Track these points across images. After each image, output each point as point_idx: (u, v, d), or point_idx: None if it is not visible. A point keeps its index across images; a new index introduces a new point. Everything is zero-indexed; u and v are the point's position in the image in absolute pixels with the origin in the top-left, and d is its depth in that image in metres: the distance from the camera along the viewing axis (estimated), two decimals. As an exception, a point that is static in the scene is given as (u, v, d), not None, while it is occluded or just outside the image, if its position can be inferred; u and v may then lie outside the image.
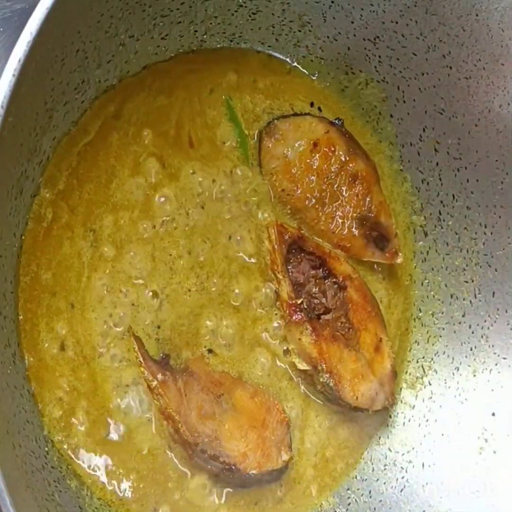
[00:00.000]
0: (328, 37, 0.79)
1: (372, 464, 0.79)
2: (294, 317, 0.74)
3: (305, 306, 0.75)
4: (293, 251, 0.76)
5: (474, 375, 0.77)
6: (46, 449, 0.65)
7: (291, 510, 0.75)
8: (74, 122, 0.70)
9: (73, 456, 0.67)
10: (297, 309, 0.74)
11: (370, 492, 0.78)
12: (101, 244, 0.71)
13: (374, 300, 0.80)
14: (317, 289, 0.76)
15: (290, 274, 0.75)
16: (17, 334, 0.66)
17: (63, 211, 0.69)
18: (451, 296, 0.80)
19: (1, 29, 0.67)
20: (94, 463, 0.68)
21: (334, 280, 0.77)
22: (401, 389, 0.81)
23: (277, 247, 0.75)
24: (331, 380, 0.74)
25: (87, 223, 0.71)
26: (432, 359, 0.81)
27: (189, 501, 0.70)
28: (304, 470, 0.76)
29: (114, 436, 0.68)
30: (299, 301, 0.74)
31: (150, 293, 0.71)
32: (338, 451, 0.78)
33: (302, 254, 0.76)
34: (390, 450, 0.80)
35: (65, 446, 0.67)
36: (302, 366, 0.74)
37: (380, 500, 0.77)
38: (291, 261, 0.76)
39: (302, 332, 0.74)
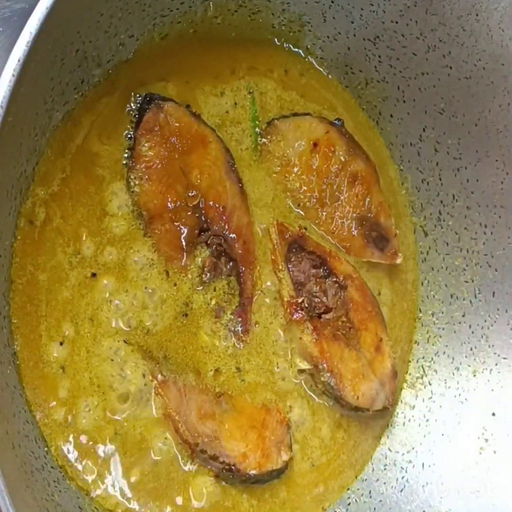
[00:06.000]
0: (328, 37, 0.79)
1: (372, 464, 0.79)
2: (294, 316, 0.74)
3: (306, 305, 0.75)
4: (294, 250, 0.76)
5: (474, 375, 0.77)
6: (46, 449, 0.65)
7: (292, 510, 0.75)
8: (72, 120, 0.70)
9: (72, 456, 0.67)
10: (298, 308, 0.74)
11: (370, 492, 0.78)
12: (85, 266, 0.69)
13: (374, 300, 0.80)
14: (317, 288, 0.76)
15: (291, 272, 0.75)
16: (14, 334, 0.65)
17: (55, 215, 0.69)
18: (451, 296, 0.80)
19: (1, 29, 0.67)
20: (93, 464, 0.67)
21: (335, 279, 0.77)
22: (401, 389, 0.81)
23: (278, 246, 0.75)
24: (332, 379, 0.74)
25: (77, 230, 0.69)
26: (432, 359, 0.81)
27: (190, 501, 0.70)
28: (305, 470, 0.76)
29: (114, 436, 0.68)
30: (299, 300, 0.74)
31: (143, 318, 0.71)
32: (339, 452, 0.78)
33: (303, 253, 0.76)
34: (390, 450, 0.80)
35: (64, 447, 0.67)
36: (303, 365, 0.74)
37: (380, 500, 0.77)
38: (292, 260, 0.76)
39: (303, 331, 0.74)
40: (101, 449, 0.68)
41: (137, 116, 0.71)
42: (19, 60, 0.51)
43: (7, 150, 0.57)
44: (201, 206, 0.72)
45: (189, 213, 0.71)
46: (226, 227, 0.73)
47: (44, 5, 0.51)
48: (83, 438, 0.67)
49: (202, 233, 0.72)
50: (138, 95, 0.72)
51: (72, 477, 0.66)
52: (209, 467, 0.69)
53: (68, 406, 0.67)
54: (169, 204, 0.71)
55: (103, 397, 0.68)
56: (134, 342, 0.69)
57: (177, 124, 0.71)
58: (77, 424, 0.66)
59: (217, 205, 0.73)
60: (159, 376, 0.69)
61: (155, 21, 0.71)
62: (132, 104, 0.72)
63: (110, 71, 0.71)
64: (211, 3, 0.74)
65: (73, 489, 0.66)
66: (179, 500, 0.69)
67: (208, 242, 0.72)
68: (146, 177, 0.70)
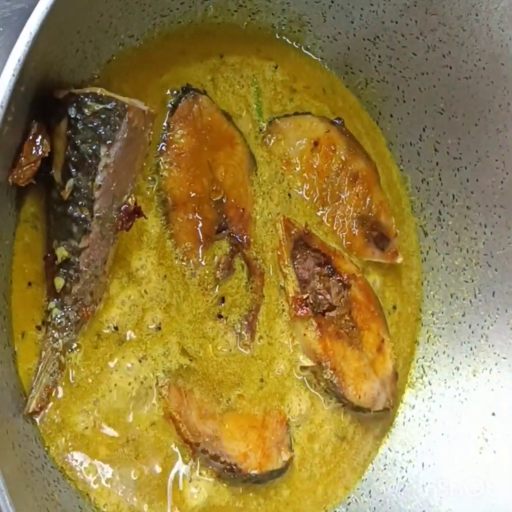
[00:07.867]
0: (328, 37, 0.79)
1: (372, 464, 0.79)
2: (299, 312, 0.74)
3: (311, 301, 0.75)
4: (299, 247, 0.76)
5: (474, 375, 0.77)
6: (46, 449, 0.65)
7: (292, 509, 0.75)
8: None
9: (72, 456, 0.67)
10: (303, 304, 0.74)
11: (370, 492, 0.78)
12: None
13: (377, 301, 0.80)
14: (321, 286, 0.76)
15: (296, 269, 0.75)
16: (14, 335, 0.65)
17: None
18: (451, 296, 0.80)
19: (1, 29, 0.67)
20: (93, 463, 0.67)
21: (339, 278, 0.77)
22: (403, 391, 0.81)
23: (284, 242, 0.75)
24: (335, 377, 0.74)
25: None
26: (432, 359, 0.81)
27: (190, 501, 0.70)
28: (306, 470, 0.76)
29: (112, 435, 0.68)
30: (304, 296, 0.74)
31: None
32: (341, 452, 0.78)
33: (308, 251, 0.76)
34: (390, 450, 0.80)
35: (64, 446, 0.66)
36: (307, 362, 0.74)
37: (380, 500, 0.77)
38: (297, 257, 0.76)
39: (307, 327, 0.74)
40: (100, 449, 0.68)
41: (173, 104, 0.72)
42: (19, 60, 0.51)
43: (7, 149, 0.57)
44: (223, 202, 0.73)
45: (212, 206, 0.72)
46: (243, 231, 0.74)
47: (44, 5, 0.51)
48: (82, 438, 0.67)
49: (220, 231, 0.73)
50: (174, 91, 0.73)
51: (72, 477, 0.66)
52: (210, 467, 0.69)
53: (67, 406, 0.67)
54: (193, 194, 0.71)
55: (103, 398, 0.68)
56: (134, 343, 0.70)
57: (209, 119, 0.73)
58: (76, 424, 0.66)
59: (237, 206, 0.74)
60: (160, 376, 0.69)
61: (155, 21, 0.71)
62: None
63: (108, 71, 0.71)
64: (211, 3, 0.74)
65: (73, 489, 0.66)
66: (179, 501, 0.69)
67: (226, 239, 0.73)
68: (175, 163, 0.71)
